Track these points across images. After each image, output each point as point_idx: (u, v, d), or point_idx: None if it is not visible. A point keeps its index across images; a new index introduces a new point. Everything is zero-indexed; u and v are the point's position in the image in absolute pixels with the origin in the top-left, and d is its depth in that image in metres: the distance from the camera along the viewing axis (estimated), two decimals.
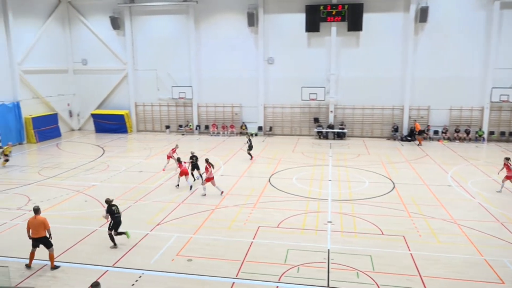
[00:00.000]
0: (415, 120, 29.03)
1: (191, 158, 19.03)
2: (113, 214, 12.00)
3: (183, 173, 17.69)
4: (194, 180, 18.51)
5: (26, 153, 26.38)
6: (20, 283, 9.86)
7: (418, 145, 27.19)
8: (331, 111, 30.24)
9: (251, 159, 22.97)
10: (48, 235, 10.79)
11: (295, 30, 29.76)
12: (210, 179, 16.66)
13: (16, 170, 21.19)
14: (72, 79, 33.94)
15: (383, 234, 12.74)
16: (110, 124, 32.96)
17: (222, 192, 16.70)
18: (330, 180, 18.81)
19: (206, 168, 16.73)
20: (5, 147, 22.39)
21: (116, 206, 12.25)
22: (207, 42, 31.33)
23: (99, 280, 8.97)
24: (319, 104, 30.44)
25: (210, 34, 31.21)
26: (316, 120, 30.54)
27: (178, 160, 18.38)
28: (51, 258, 10.86)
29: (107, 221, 12.18)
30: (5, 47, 27.59)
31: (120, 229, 12.27)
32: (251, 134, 30.95)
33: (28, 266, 10.90)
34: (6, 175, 20.19)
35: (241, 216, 14.34)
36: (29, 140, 29.19)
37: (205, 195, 16.63)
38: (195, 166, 18.93)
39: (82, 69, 33.84)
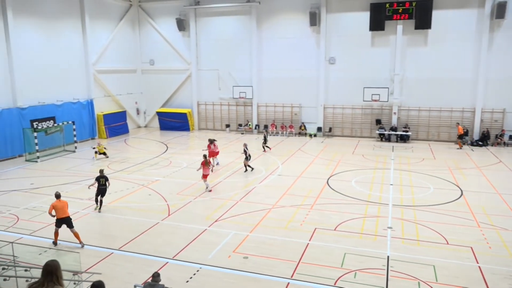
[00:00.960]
0: (457, 123, 27.35)
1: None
2: (99, 184, 14.91)
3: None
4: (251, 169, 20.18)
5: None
6: (89, 268, 10.57)
7: (457, 148, 26.29)
8: (395, 113, 29.06)
9: (264, 151, 24.15)
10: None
11: (358, 29, 28.99)
12: (205, 175, 17.23)
13: (88, 164, 22.71)
14: (140, 79, 35.70)
15: (448, 243, 12.04)
16: (173, 122, 34.20)
17: (210, 190, 17.17)
18: (391, 185, 18.10)
19: (203, 163, 17.22)
20: (98, 147, 23.67)
21: (105, 178, 14.96)
22: (268, 42, 31.49)
23: (159, 271, 9.35)
24: (382, 105, 29.40)
25: (271, 34, 31.34)
26: (378, 121, 29.52)
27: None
28: (76, 235, 12.08)
29: (93, 186, 15.10)
30: (82, 48, 29.69)
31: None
32: (311, 135, 30.66)
33: (54, 243, 12.18)
34: (79, 168, 21.73)
35: (297, 216, 14.24)
36: (100, 135, 31.12)
37: (210, 190, 17.26)
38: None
39: (150, 69, 35.49)
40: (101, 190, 15.02)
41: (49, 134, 25.75)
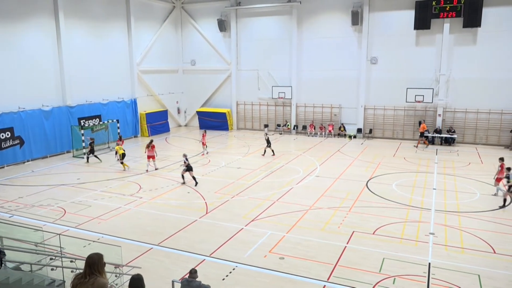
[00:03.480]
0: (423, 121, 27.60)
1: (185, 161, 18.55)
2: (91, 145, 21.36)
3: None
4: (196, 184, 18.13)
5: (139, 146, 29.07)
6: (129, 262, 10.92)
7: (415, 146, 26.89)
8: (439, 115, 27.96)
9: (263, 154, 23.83)
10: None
11: (402, 28, 28.15)
12: (151, 156, 20.32)
13: (131, 160, 23.44)
14: (181, 79, 36.44)
15: (495, 252, 11.47)
16: (213, 121, 34.62)
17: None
18: (434, 189, 17.47)
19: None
20: (117, 147, 22.15)
21: (93, 141, 21.64)
22: (308, 42, 31.23)
23: (196, 268, 9.50)
24: (426, 107, 28.37)
25: (312, 34, 31.05)
26: (421, 123, 28.55)
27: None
28: None
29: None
30: (126, 49, 30.75)
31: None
32: (350, 136, 30.13)
33: None
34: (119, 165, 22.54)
35: (335, 219, 14.03)
36: (143, 133, 32.06)
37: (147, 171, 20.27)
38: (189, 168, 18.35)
39: (191, 69, 36.15)
40: (92, 148, 21.75)
41: (95, 131, 26.82)
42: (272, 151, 24.01)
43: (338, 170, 20.77)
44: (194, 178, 18.30)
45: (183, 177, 18.64)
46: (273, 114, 33.72)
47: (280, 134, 32.40)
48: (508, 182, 15.37)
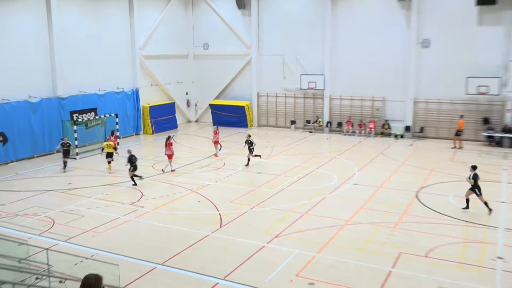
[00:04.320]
0: (461, 116, 27.39)
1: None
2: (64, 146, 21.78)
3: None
4: (134, 184, 19.64)
5: (141, 145, 29.37)
6: (128, 284, 10.94)
7: (452, 148, 26.85)
8: (508, 110, 27.24)
9: (246, 165, 22.68)
10: None
11: (460, 4, 27.46)
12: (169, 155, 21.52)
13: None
14: (191, 65, 36.71)
15: None
16: (229, 116, 34.76)
17: (162, 171, 21.15)
18: (502, 202, 17.04)
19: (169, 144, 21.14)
20: (106, 143, 22.46)
21: (66, 142, 21.84)
22: (345, 22, 30.95)
23: None
24: (491, 100, 27.62)
25: (349, 12, 30.77)
26: (485, 121, 27.84)
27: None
28: None
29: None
30: (128, 31, 31.10)
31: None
32: (396, 136, 29.70)
33: None
34: (121, 167, 22.78)
35: (378, 236, 13.79)
36: (146, 130, 32.44)
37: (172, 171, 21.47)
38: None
39: (203, 54, 36.37)
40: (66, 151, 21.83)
41: (90, 127, 27.31)
42: (256, 156, 23.19)
43: (381, 177, 20.54)
44: (133, 177, 19.51)
45: (133, 178, 19.57)
46: (302, 108, 33.58)
47: (310, 132, 32.26)
48: None
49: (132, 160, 19.56)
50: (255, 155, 22.94)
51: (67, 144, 22.24)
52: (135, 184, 19.47)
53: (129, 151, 20.13)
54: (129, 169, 19.56)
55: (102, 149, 22.42)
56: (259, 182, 19.87)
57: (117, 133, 26.42)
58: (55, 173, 21.88)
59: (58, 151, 23.74)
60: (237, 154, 25.38)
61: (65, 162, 22.10)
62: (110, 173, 21.75)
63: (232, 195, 18.02)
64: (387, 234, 14.00)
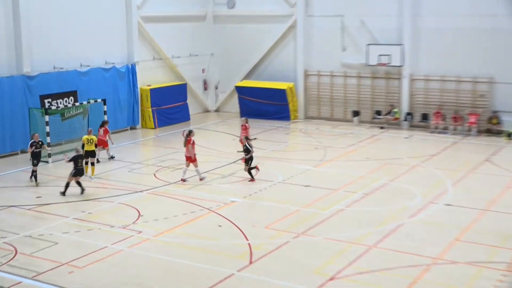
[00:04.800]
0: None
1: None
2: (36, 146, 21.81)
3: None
4: (82, 192, 20.46)
5: (139, 144, 29.63)
6: None
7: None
8: None
9: (252, 179, 22.21)
10: None
11: None
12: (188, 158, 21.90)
13: (125, 169, 23.80)
14: (211, 31, 37.15)
15: None
16: (263, 104, 34.90)
17: (182, 180, 21.62)
18: None
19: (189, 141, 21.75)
20: (87, 137, 23.10)
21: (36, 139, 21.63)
22: None
23: None
24: None
25: None
26: None
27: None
28: None
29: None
30: None
31: None
32: (509, 135, 29.07)
33: None
34: (111, 176, 22.88)
35: (481, 283, 13.46)
36: (145, 123, 32.81)
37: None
38: None
39: (227, 15, 36.69)
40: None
41: (67, 118, 27.65)
42: (253, 169, 22.61)
43: (486, 195, 20.16)
44: (79, 183, 20.36)
45: (79, 184, 20.38)
46: (369, 94, 33.53)
47: (381, 128, 32.12)
48: None
49: (77, 161, 20.31)
50: (249, 168, 22.25)
51: (39, 143, 22.30)
52: (83, 192, 20.35)
53: (77, 150, 20.93)
54: (71, 172, 20.29)
55: (82, 146, 22.68)
56: (306, 199, 19.70)
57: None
58: (18, 182, 22.18)
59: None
60: (276, 158, 25.34)
61: (34, 172, 21.98)
62: (92, 179, 22.20)
63: (266, 217, 17.84)
64: (495, 278, 13.61)
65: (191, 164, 21.96)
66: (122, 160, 25.39)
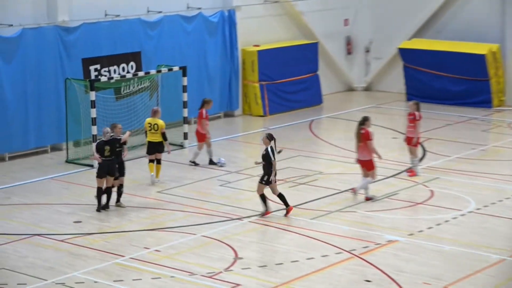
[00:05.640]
0: None
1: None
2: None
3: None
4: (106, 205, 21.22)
5: (237, 141, 29.86)
6: None
7: None
8: None
9: (264, 213, 21.36)
10: None
11: None
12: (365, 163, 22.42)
13: (214, 180, 24.14)
14: None
15: None
16: (444, 79, 35.02)
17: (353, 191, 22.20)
18: None
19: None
20: (149, 119, 24.04)
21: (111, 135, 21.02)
22: None
23: None
24: None
25: None
26: None
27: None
28: None
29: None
30: None
31: None
32: None
33: None
34: (191, 191, 23.06)
35: None
36: (248, 107, 33.41)
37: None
38: None
39: None
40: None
41: (125, 96, 28.21)
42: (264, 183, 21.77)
43: None
44: (108, 191, 21.18)
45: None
46: None
47: None
48: None
49: (102, 150, 20.92)
50: (263, 187, 21.57)
51: (117, 144, 21.49)
52: (104, 207, 21.13)
53: (105, 132, 21.15)
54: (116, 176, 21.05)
55: (145, 133, 23.98)
56: None
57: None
58: (45, 195, 22.66)
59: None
60: (461, 172, 25.14)
61: (105, 192, 21.69)
62: (156, 182, 23.46)
63: (447, 269, 17.38)
64: None
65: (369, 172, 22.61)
66: (208, 166, 25.71)
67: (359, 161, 22.39)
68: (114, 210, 21.35)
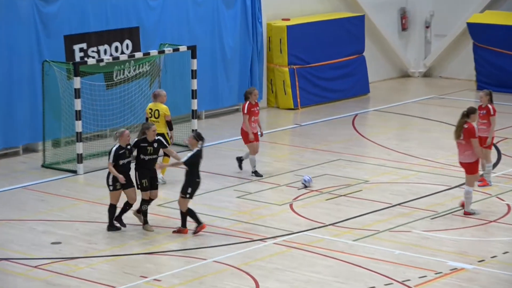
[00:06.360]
0: None
1: None
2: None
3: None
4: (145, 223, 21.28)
5: (263, 141, 29.74)
6: None
7: None
8: None
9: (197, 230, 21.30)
10: None
11: None
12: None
13: (230, 190, 24.33)
14: None
15: None
16: None
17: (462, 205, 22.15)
18: None
19: None
20: (151, 104, 24.64)
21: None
22: None
23: None
24: None
25: None
26: None
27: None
28: None
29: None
30: None
31: None
32: None
33: None
34: (207, 205, 23.19)
35: None
36: (275, 98, 33.63)
37: None
38: None
39: None
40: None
41: (118, 83, 28.39)
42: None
43: None
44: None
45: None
46: None
47: None
48: None
49: (159, 144, 21.07)
50: (187, 202, 21.27)
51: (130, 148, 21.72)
52: (146, 224, 21.13)
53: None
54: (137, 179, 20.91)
55: (146, 120, 23.65)
56: None
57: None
58: (15, 208, 22.80)
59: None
60: None
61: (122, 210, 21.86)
62: (162, 182, 23.82)
63: None
64: None
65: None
66: (223, 173, 25.84)
67: (461, 164, 22.45)
68: (103, 228, 21.44)
